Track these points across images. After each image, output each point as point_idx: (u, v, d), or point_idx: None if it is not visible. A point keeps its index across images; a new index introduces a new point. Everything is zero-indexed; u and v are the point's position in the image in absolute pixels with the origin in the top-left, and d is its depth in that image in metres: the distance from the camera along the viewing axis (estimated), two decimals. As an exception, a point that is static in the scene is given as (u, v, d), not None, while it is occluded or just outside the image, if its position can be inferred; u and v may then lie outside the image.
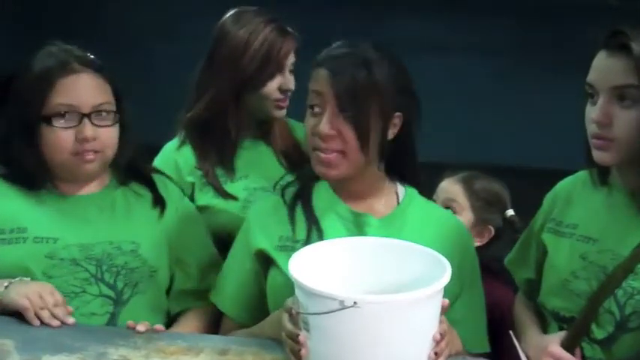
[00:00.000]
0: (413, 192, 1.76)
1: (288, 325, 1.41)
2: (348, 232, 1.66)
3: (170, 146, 2.15)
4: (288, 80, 2.06)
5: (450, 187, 2.22)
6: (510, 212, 2.23)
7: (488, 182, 2.26)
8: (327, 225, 1.67)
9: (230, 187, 2.08)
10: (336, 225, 1.67)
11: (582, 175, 1.71)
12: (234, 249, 1.77)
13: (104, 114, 1.72)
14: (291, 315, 1.41)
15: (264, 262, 1.70)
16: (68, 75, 1.69)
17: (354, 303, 1.25)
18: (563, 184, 1.76)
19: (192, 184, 2.10)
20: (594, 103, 1.52)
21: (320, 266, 1.45)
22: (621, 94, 1.48)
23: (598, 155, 1.53)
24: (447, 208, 2.16)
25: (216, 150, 2.08)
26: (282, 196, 1.74)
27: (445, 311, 1.41)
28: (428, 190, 2.21)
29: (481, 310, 1.76)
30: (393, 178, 1.75)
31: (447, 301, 1.39)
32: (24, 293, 1.61)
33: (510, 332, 1.60)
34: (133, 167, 1.83)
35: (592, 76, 1.53)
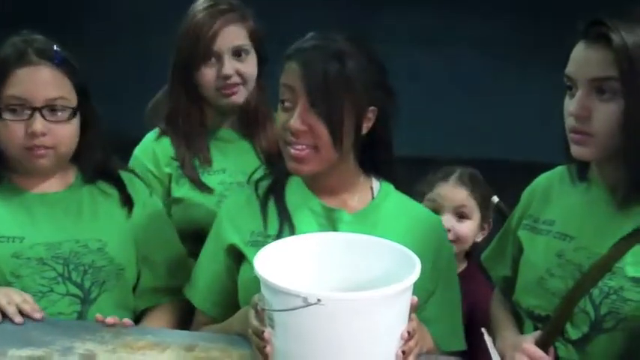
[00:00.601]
0: (388, 187, 1.74)
1: (254, 322, 1.40)
2: (320, 227, 1.64)
3: (150, 136, 2.14)
4: (227, 66, 2.00)
5: (456, 193, 2.19)
6: (496, 199, 2.21)
7: (474, 174, 2.24)
8: (299, 220, 1.65)
9: (206, 179, 2.06)
10: (308, 220, 1.65)
11: (560, 170, 1.67)
12: (207, 243, 1.76)
13: (59, 109, 1.68)
14: (257, 311, 1.40)
15: (236, 257, 1.68)
16: (23, 66, 1.66)
17: (318, 300, 1.23)
18: (541, 180, 1.72)
19: (170, 175, 2.08)
20: (572, 96, 1.48)
21: (290, 262, 1.43)
22: (600, 87, 1.44)
23: (576, 150, 1.49)
24: (459, 214, 2.16)
25: (185, 139, 2.07)
26: (256, 190, 1.72)
27: (415, 309, 1.40)
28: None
29: (457, 308, 1.74)
30: (368, 173, 1.72)
31: (415, 298, 1.37)
32: None
33: (483, 330, 1.59)
34: (100, 166, 1.80)
35: (570, 68, 1.48)
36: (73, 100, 1.70)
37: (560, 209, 1.62)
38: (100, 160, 1.80)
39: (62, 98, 1.68)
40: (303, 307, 1.24)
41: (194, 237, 1.90)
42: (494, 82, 5.44)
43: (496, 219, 2.21)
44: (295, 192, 1.69)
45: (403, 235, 1.59)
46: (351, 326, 1.26)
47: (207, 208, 1.98)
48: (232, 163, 2.07)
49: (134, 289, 1.83)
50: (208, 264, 1.74)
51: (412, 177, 2.01)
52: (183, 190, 2.06)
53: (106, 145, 1.81)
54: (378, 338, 1.30)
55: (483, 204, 2.20)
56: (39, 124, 1.65)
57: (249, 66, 2.04)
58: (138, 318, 1.83)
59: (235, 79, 2.02)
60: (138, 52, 5.59)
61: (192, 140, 2.07)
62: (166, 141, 2.09)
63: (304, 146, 1.58)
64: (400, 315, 1.34)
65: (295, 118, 1.56)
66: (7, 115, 1.66)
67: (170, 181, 2.08)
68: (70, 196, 1.77)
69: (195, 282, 1.75)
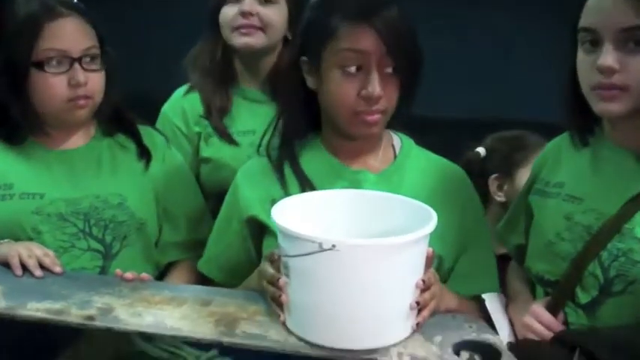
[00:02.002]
0: (409, 142, 1.74)
1: (270, 270, 1.42)
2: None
3: (179, 92, 2.16)
4: (247, 2, 2.01)
5: None
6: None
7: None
8: (321, 185, 1.63)
9: (237, 140, 2.09)
10: (330, 184, 1.63)
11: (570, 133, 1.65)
12: (222, 214, 1.75)
13: (92, 58, 1.72)
14: (272, 261, 1.42)
15: (257, 228, 1.67)
16: (55, 19, 1.69)
17: (333, 246, 1.26)
18: (552, 144, 1.70)
19: (199, 134, 2.10)
20: (590, 51, 1.43)
21: (306, 217, 1.45)
22: (631, 37, 1.37)
23: (604, 107, 1.43)
24: None
25: (213, 91, 2.09)
26: (269, 157, 1.70)
27: (431, 262, 1.41)
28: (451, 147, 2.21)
29: (490, 260, 1.72)
30: (388, 129, 1.72)
31: (431, 250, 1.39)
32: (14, 247, 1.64)
33: (483, 296, 1.60)
34: (117, 116, 1.84)
35: (593, 20, 1.42)
36: (99, 49, 1.74)
37: (569, 171, 1.60)
38: (118, 110, 1.83)
39: (94, 47, 1.72)
40: (318, 252, 1.26)
41: (222, 197, 1.87)
42: (530, 45, 5.35)
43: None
44: (314, 156, 1.68)
45: (430, 192, 1.61)
46: (365, 273, 1.28)
47: (235, 169, 1.92)
48: (262, 125, 2.02)
49: (157, 243, 1.86)
50: (222, 234, 1.73)
51: (453, 139, 2.04)
52: (212, 149, 2.09)
53: (122, 95, 1.84)
54: (392, 287, 1.32)
55: None
56: (81, 74, 1.69)
57: (274, 15, 2.04)
58: (162, 273, 1.86)
59: (254, 20, 2.01)
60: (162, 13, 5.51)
61: (217, 90, 2.08)
62: (195, 97, 2.12)
63: (378, 112, 1.57)
64: (415, 266, 1.36)
65: (376, 84, 1.54)
66: (48, 68, 1.68)
67: (199, 140, 2.10)
68: (89, 151, 1.80)
69: (210, 254, 1.76)
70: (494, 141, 2.36)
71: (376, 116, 1.57)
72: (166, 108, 2.16)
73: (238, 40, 2.05)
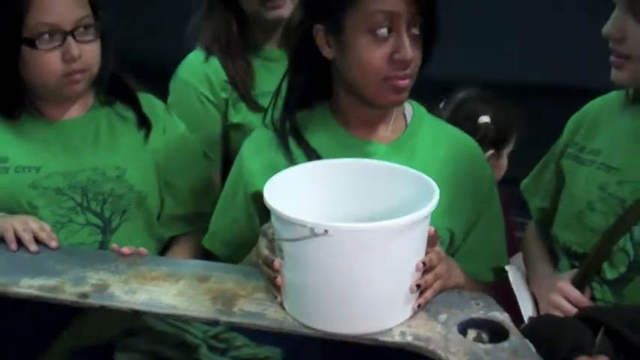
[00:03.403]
0: (421, 111, 1.63)
1: (265, 251, 1.35)
2: None
3: (196, 58, 2.08)
4: None
5: None
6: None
7: None
8: (328, 157, 1.52)
9: (261, 103, 2.01)
10: (339, 155, 1.51)
11: (614, 95, 1.54)
12: (227, 188, 1.66)
13: (86, 28, 1.62)
14: (269, 240, 1.35)
15: (264, 204, 1.59)
16: None
17: (325, 231, 1.18)
18: (592, 105, 1.59)
19: (226, 101, 2.03)
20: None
21: (305, 189, 1.38)
22: (635, 6, 1.31)
23: (613, 74, 1.39)
24: None
25: (232, 58, 2.01)
26: (274, 128, 1.60)
27: (434, 241, 1.32)
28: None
29: (500, 237, 1.64)
30: None
31: (432, 229, 1.30)
32: (10, 220, 1.58)
33: (507, 267, 1.51)
34: (115, 84, 1.75)
35: None
36: (92, 17, 1.65)
37: (608, 138, 1.50)
38: (115, 77, 1.75)
39: (87, 17, 1.62)
40: (310, 237, 1.19)
41: None
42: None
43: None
44: (322, 126, 1.57)
45: (442, 164, 1.52)
46: (360, 258, 1.21)
47: None
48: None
49: (159, 217, 1.80)
50: (227, 208, 1.65)
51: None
52: (241, 115, 2.02)
53: (120, 61, 1.75)
54: (389, 271, 1.24)
55: None
56: (75, 48, 1.60)
57: None
58: (166, 247, 1.80)
59: None
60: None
61: (238, 60, 2.02)
62: (215, 62, 2.04)
63: (409, 76, 1.48)
64: (413, 248, 1.27)
65: (407, 47, 1.43)
66: (41, 45, 1.59)
67: (227, 106, 2.03)
68: (87, 123, 1.73)
69: (214, 230, 1.68)
70: (493, 110, 2.08)
71: (407, 81, 1.47)
72: (185, 75, 2.07)
73: (270, 14, 1.98)
